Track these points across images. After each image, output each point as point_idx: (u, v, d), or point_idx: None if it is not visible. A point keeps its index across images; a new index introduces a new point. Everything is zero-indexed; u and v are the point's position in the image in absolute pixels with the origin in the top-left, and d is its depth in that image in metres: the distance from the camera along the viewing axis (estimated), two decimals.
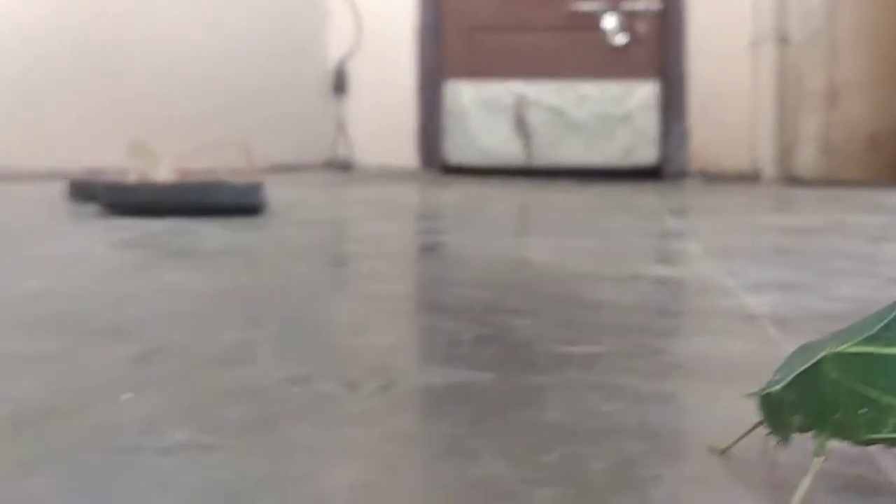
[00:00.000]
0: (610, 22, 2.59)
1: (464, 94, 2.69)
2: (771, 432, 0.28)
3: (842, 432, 0.27)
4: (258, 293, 0.66)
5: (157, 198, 1.23)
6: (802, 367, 0.27)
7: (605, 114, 2.60)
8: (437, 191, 2.11)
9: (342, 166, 2.85)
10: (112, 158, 1.75)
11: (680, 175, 2.55)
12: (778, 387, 0.27)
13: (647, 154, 2.58)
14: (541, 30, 2.65)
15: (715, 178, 2.52)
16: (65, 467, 0.29)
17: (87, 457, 0.30)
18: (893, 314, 0.27)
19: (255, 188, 1.28)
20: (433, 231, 1.24)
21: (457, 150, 2.72)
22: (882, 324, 0.27)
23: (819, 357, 0.27)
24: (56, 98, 2.05)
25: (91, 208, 1.28)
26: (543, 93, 2.63)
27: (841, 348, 0.27)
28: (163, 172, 1.37)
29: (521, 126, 2.66)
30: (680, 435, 0.34)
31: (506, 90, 2.65)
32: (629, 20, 2.60)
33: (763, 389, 0.28)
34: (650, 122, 2.58)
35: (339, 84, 2.86)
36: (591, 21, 2.62)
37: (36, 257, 0.83)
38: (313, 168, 2.75)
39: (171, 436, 0.32)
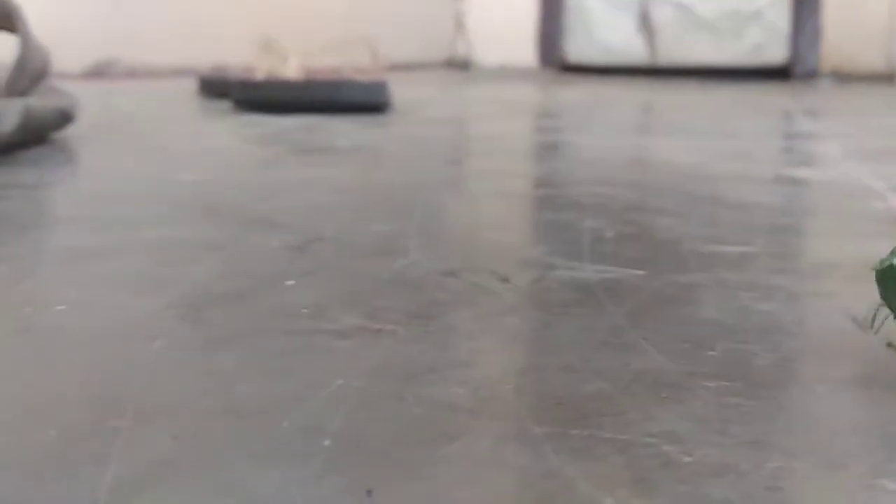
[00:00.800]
0: None
1: None
2: (886, 304, 0.28)
3: None
4: (395, 188, 0.67)
5: (287, 95, 1.25)
6: None
7: (734, 10, 2.50)
8: (558, 90, 2.08)
9: (461, 65, 2.83)
10: (238, 55, 1.78)
11: (811, 75, 2.45)
12: (892, 259, 0.27)
13: (776, 52, 2.48)
14: None
15: (848, 78, 2.41)
16: (245, 348, 0.30)
17: (265, 338, 0.31)
18: None
19: (380, 86, 1.29)
20: (557, 130, 1.23)
21: (577, 48, 2.67)
22: None
23: None
24: None
25: (222, 104, 1.31)
26: None
27: None
28: (291, 70, 1.39)
29: (646, 23, 2.58)
30: (840, 333, 0.33)
31: None
32: None
33: (884, 261, 0.28)
34: (781, 19, 2.47)
35: None
36: None
37: (182, 151, 0.86)
38: (432, 66, 2.74)
39: (343, 320, 0.33)
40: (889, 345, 0.30)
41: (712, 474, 0.22)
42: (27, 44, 0.75)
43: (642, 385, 0.27)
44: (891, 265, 0.27)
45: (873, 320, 0.28)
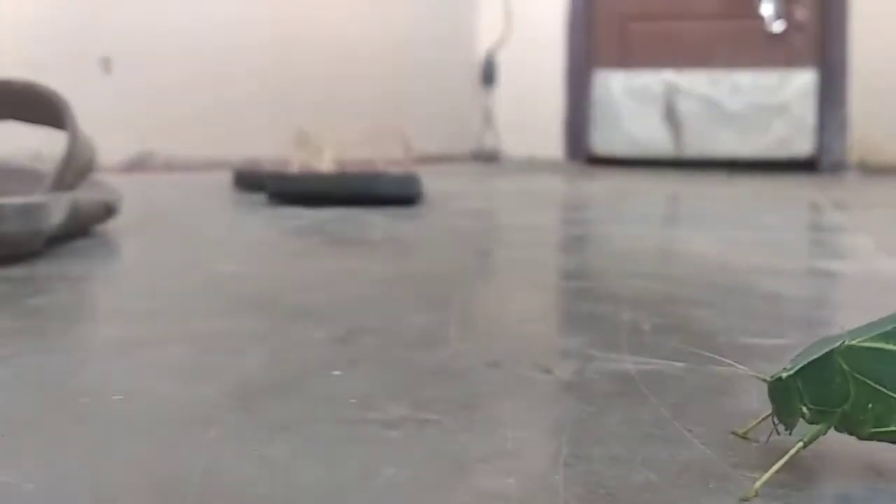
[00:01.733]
0: (767, 8, 2.52)
1: (613, 84, 2.67)
2: (778, 417, 0.28)
3: (847, 425, 0.27)
4: (431, 279, 0.68)
5: (321, 188, 1.28)
6: (814, 356, 0.27)
7: (760, 103, 2.53)
8: (585, 181, 2.11)
9: (489, 157, 2.87)
10: (272, 148, 1.82)
11: (837, 167, 2.47)
12: (788, 373, 0.28)
13: (803, 145, 2.51)
14: (694, 18, 2.60)
15: (875, 170, 2.42)
16: (298, 437, 0.31)
17: (316, 427, 0.32)
18: None
19: (413, 179, 1.31)
20: (586, 221, 1.24)
21: (604, 140, 2.71)
22: None
23: (832, 348, 0.27)
24: (219, 90, 2.14)
25: (256, 197, 1.34)
26: (695, 82, 2.59)
27: (854, 342, 0.27)
28: (325, 162, 1.42)
29: (672, 116, 2.62)
30: None
31: (656, 79, 2.62)
32: (787, 6, 2.52)
33: (774, 375, 0.28)
34: (807, 112, 2.50)
35: (488, 75, 2.89)
36: (747, 8, 2.56)
37: (220, 243, 0.88)
38: (460, 158, 2.78)
39: (390, 410, 0.34)
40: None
41: None
42: (75, 139, 0.78)
43: (690, 476, 0.28)
44: (779, 378, 0.28)
45: (777, 431, 0.29)
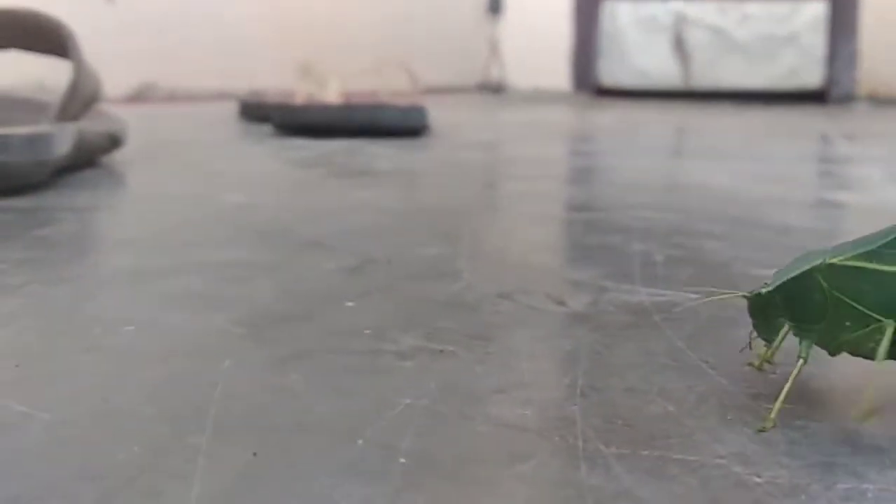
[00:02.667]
0: None
1: (621, 14, 2.63)
2: (758, 333, 0.29)
3: (823, 341, 0.27)
4: (440, 211, 0.68)
5: (327, 119, 1.27)
6: (795, 273, 0.27)
7: (770, 33, 2.50)
8: (592, 113, 2.09)
9: (495, 88, 2.84)
10: (277, 79, 1.80)
11: (847, 99, 2.44)
12: (767, 289, 0.28)
13: (812, 76, 2.48)
14: None
15: (885, 102, 2.40)
16: (311, 367, 0.31)
17: (329, 357, 0.32)
18: (894, 235, 0.27)
19: (419, 110, 1.30)
20: (593, 153, 1.23)
21: (611, 71, 2.67)
22: (884, 241, 0.27)
23: (812, 265, 0.27)
24: (223, 21, 2.11)
25: (262, 128, 1.33)
26: (704, 12, 2.55)
27: (835, 259, 0.27)
28: (330, 94, 1.41)
29: (680, 46, 2.59)
30: None
31: (665, 9, 2.58)
32: None
33: (753, 291, 0.28)
34: (817, 43, 2.46)
35: (494, 4, 2.84)
36: None
37: (227, 174, 0.87)
38: (466, 90, 2.76)
39: (403, 341, 0.34)
40: (750, 364, 0.31)
41: (784, 495, 0.22)
42: (80, 69, 0.77)
43: (707, 407, 0.28)
44: (758, 294, 0.28)
45: (750, 346, 0.29)
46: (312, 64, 1.48)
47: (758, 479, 0.23)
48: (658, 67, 2.61)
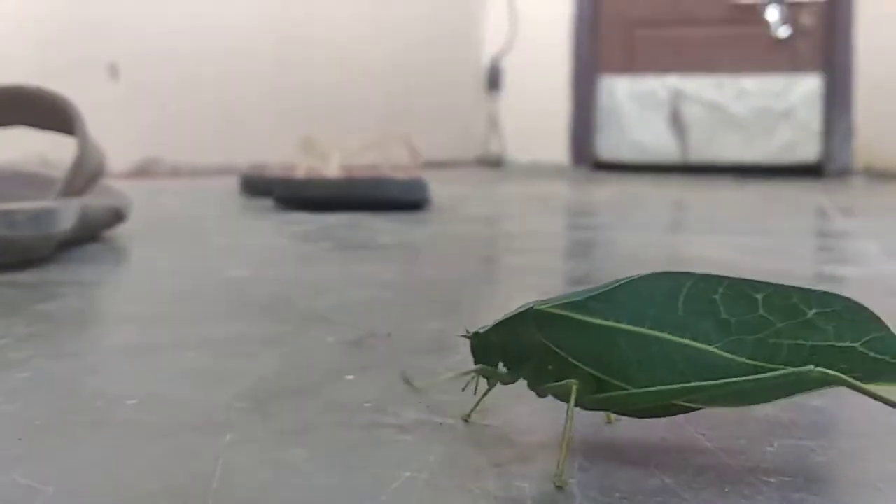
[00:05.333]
0: (773, 14, 2.53)
1: (618, 89, 2.68)
2: (480, 371, 0.31)
3: (533, 383, 0.30)
4: (440, 284, 0.69)
5: (328, 193, 1.28)
6: (509, 315, 0.30)
7: (766, 108, 2.53)
8: (590, 187, 2.11)
9: (494, 162, 2.87)
10: (278, 154, 1.83)
11: (843, 172, 2.47)
12: (485, 329, 0.31)
13: (808, 150, 2.51)
14: (700, 24, 2.60)
15: (881, 175, 2.42)
16: (313, 441, 0.31)
17: (332, 432, 0.32)
18: (604, 289, 0.29)
19: (419, 184, 1.32)
20: (592, 227, 1.24)
21: (609, 146, 2.71)
22: (590, 294, 0.29)
23: (524, 309, 0.30)
24: (225, 96, 2.14)
25: (263, 202, 1.35)
26: (701, 87, 2.59)
27: (543, 306, 0.29)
28: (331, 168, 1.43)
29: (677, 121, 2.63)
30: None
31: (662, 85, 2.63)
32: (793, 12, 2.52)
33: (474, 331, 0.31)
34: (813, 117, 2.50)
35: (493, 80, 2.89)
36: (752, 14, 2.56)
37: (229, 248, 0.88)
38: (466, 164, 2.78)
39: (404, 414, 0.34)
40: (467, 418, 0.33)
41: None
42: (85, 145, 0.78)
43: (705, 480, 0.28)
44: (476, 333, 0.31)
45: (476, 387, 0.32)
46: (314, 138, 1.50)
47: None
48: (655, 142, 2.64)
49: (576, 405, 0.29)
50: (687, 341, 0.29)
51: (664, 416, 0.30)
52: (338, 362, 0.43)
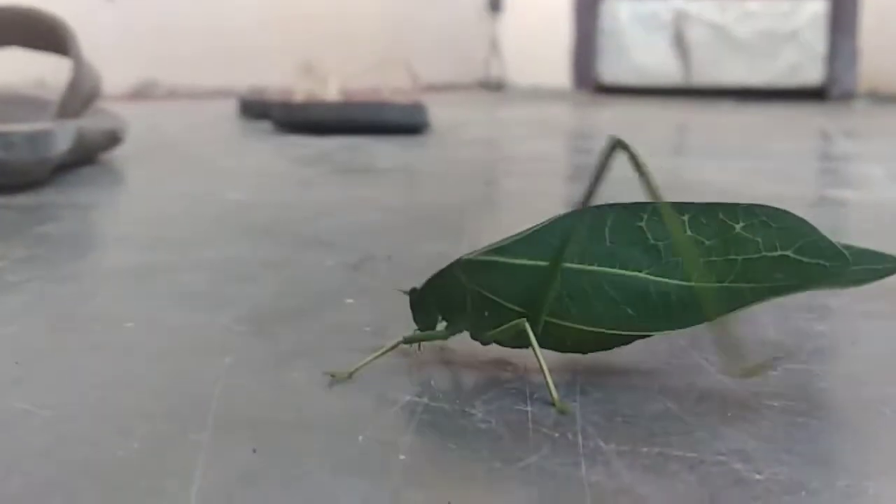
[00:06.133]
0: None
1: (621, 11, 2.63)
2: (418, 325, 0.31)
3: (472, 331, 0.30)
4: (440, 208, 0.68)
5: (326, 116, 1.27)
6: (439, 270, 0.30)
7: (770, 30, 2.49)
8: (592, 111, 2.09)
9: (494, 86, 2.84)
10: (277, 77, 1.80)
11: (847, 96, 2.44)
12: (420, 285, 0.31)
13: (812, 73, 2.47)
14: None
15: (886, 99, 2.40)
16: (313, 364, 0.31)
17: (331, 354, 0.32)
18: (529, 232, 0.29)
19: (418, 108, 1.30)
20: (593, 151, 1.23)
21: (611, 69, 2.67)
22: (515, 238, 0.29)
23: (452, 262, 0.30)
24: (223, 18, 2.11)
25: (262, 125, 1.33)
26: (705, 8, 2.54)
27: (470, 256, 0.30)
28: (330, 92, 1.41)
29: (680, 43, 2.59)
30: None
31: (665, 6, 2.58)
32: None
33: (411, 288, 0.31)
34: (818, 40, 2.46)
35: (494, 2, 2.84)
36: None
37: (227, 171, 0.87)
38: (466, 87, 2.75)
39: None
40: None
41: (784, 492, 0.22)
42: (79, 67, 0.77)
43: (708, 404, 0.28)
44: (413, 290, 0.31)
45: (419, 341, 0.31)
46: (313, 62, 1.48)
47: (758, 476, 0.23)
48: (658, 65, 2.61)
49: (516, 346, 0.30)
50: (616, 270, 0.29)
51: (608, 348, 0.30)
52: (337, 285, 0.42)
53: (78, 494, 0.21)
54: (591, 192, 0.28)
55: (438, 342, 0.32)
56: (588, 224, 0.29)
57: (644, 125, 1.64)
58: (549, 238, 0.29)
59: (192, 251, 0.49)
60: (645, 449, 0.24)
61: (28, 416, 0.26)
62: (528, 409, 0.27)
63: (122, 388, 0.29)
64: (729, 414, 0.27)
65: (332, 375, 0.29)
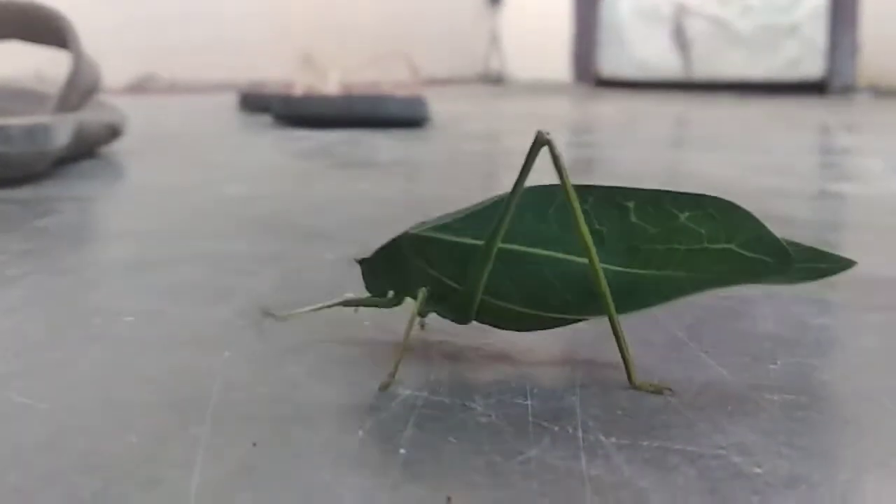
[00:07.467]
0: None
1: (621, 4, 2.63)
2: (369, 291, 0.32)
3: (419, 304, 0.30)
4: (440, 201, 0.68)
5: (327, 110, 1.26)
6: (387, 242, 0.31)
7: (770, 24, 2.49)
8: (592, 104, 2.09)
9: (495, 79, 2.84)
10: (277, 71, 1.80)
11: (847, 89, 2.44)
12: (369, 255, 0.31)
13: (813, 67, 2.47)
14: None
15: (886, 93, 2.39)
16: (312, 357, 0.31)
17: (331, 348, 0.32)
18: (474, 209, 0.29)
19: (419, 101, 1.30)
20: (593, 145, 1.23)
21: (611, 62, 2.67)
22: (460, 215, 0.29)
23: (399, 234, 0.30)
24: (223, 12, 2.11)
25: (262, 119, 1.33)
26: (705, 2, 2.54)
27: (415, 231, 0.30)
28: (330, 85, 1.41)
29: (680, 37, 2.58)
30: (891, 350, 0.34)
31: (665, 0, 2.57)
32: None
33: (361, 257, 0.32)
34: (818, 33, 2.46)
35: None
36: None
37: (227, 165, 0.87)
38: (466, 81, 2.75)
39: (402, 331, 0.33)
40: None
41: (784, 485, 0.22)
42: (79, 60, 0.77)
43: (707, 398, 0.28)
44: (363, 259, 0.32)
45: (359, 305, 0.32)
46: (313, 55, 1.48)
47: (758, 470, 0.23)
48: (658, 58, 2.60)
49: (459, 321, 0.30)
50: (558, 254, 0.29)
51: (544, 329, 0.30)
52: (337, 279, 0.42)
53: (76, 488, 0.21)
54: (519, 183, 0.28)
55: (384, 310, 0.32)
56: (533, 206, 0.29)
57: (644, 118, 1.64)
58: (492, 216, 0.29)
59: (192, 244, 0.49)
60: (645, 442, 0.24)
61: (27, 409, 0.26)
62: (528, 402, 0.27)
63: (121, 380, 0.29)
64: (729, 407, 0.27)
65: (268, 314, 0.31)
